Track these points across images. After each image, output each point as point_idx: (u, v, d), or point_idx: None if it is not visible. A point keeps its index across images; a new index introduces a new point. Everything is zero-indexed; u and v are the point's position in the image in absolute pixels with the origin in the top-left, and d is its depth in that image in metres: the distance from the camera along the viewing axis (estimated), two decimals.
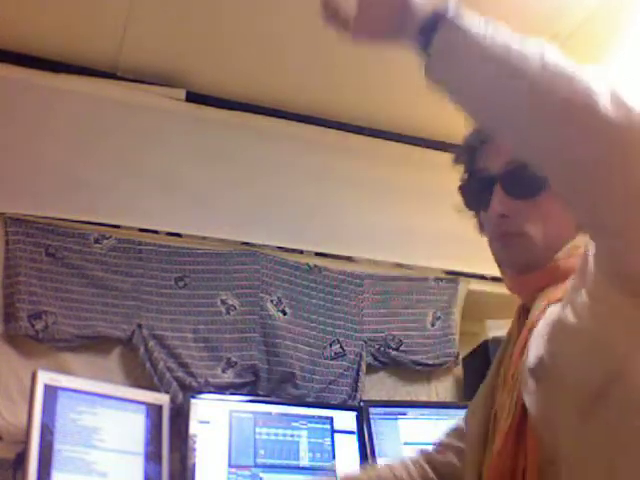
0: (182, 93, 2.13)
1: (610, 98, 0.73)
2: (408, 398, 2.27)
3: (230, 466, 1.83)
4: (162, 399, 1.88)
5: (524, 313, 1.08)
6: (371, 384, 2.25)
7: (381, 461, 1.96)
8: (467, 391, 2.27)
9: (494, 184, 1.06)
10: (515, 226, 1.05)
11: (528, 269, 1.05)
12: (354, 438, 2.00)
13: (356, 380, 2.20)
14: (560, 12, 1.86)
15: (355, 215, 2.30)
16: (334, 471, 1.85)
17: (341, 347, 2.22)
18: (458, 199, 1.16)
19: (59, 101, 1.99)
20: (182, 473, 1.80)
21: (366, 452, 1.98)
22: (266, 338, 2.12)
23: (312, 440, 1.94)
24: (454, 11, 0.81)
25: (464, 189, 1.14)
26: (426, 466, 1.25)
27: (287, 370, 2.10)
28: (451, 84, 0.84)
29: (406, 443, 2.05)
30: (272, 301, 2.17)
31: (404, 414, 2.11)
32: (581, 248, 1.03)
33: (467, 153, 1.13)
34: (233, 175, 2.19)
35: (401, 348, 2.28)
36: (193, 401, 1.88)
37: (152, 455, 1.78)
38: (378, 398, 2.22)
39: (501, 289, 1.16)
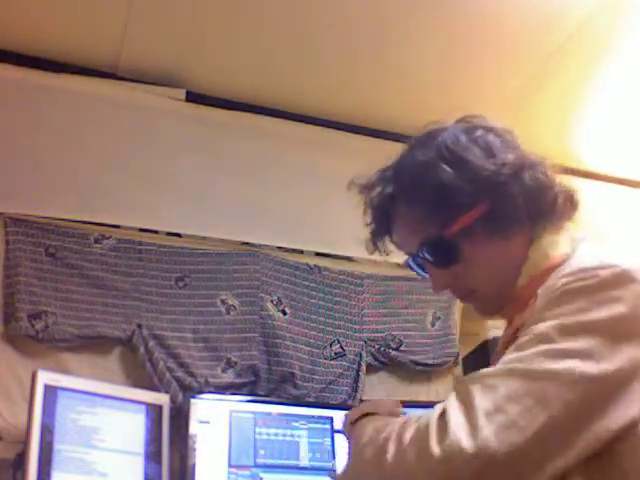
0: (182, 93, 2.12)
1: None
2: (408, 398, 2.26)
3: (230, 466, 1.83)
4: (162, 399, 1.88)
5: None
6: (371, 384, 2.25)
7: None
8: None
9: (425, 264, 1.10)
10: (462, 289, 1.09)
11: (500, 310, 1.08)
12: None
13: (356, 380, 2.20)
14: (560, 12, 1.86)
15: (355, 215, 2.29)
16: (334, 470, 1.85)
17: (341, 347, 2.22)
18: None
19: (59, 101, 1.98)
20: (182, 473, 1.80)
21: None
22: (266, 338, 2.12)
23: (312, 440, 1.94)
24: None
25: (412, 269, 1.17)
26: None
27: (287, 370, 2.10)
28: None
29: None
30: (272, 301, 2.17)
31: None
32: (539, 266, 1.01)
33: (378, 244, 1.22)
34: (233, 175, 2.19)
35: (401, 348, 2.28)
36: (193, 401, 1.88)
37: (152, 455, 1.78)
38: (378, 398, 2.22)
39: None
